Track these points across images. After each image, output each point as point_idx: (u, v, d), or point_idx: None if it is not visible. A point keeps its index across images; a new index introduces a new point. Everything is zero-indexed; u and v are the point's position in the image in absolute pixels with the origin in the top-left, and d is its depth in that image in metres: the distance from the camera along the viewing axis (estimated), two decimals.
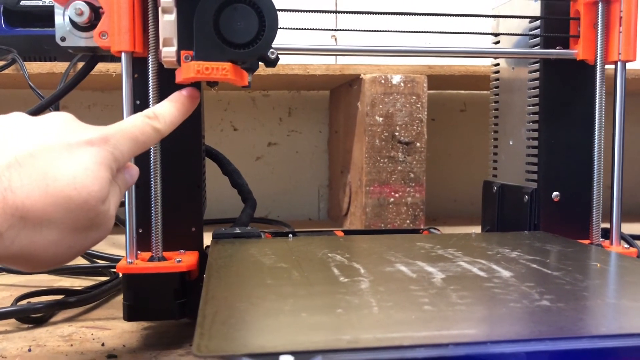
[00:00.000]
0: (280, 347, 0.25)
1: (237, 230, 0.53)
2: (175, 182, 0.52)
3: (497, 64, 0.69)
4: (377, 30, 0.55)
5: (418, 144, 0.96)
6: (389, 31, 0.55)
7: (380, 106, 0.95)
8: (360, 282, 0.36)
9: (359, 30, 0.55)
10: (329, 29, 0.61)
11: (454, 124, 1.27)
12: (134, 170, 0.40)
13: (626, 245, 0.56)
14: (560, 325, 0.28)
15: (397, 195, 0.96)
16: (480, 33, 0.60)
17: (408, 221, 0.96)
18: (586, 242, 0.57)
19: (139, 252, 0.50)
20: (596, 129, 0.56)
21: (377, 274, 0.38)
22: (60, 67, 0.89)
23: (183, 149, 0.53)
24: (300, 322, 0.28)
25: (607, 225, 0.57)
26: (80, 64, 0.86)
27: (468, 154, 1.26)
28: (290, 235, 0.53)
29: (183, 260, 0.49)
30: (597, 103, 0.55)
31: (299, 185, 1.23)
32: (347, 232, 0.65)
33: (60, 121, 0.35)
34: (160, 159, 0.50)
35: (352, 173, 1.04)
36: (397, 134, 0.96)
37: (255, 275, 0.38)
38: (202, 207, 0.54)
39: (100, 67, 0.89)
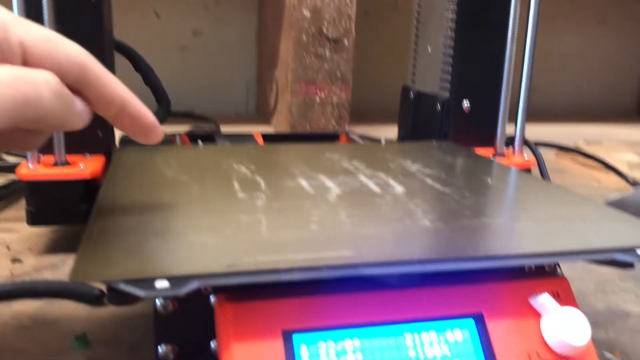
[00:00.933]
0: (158, 272, 0.25)
1: None
2: None
3: None
4: None
5: (346, 42, 0.95)
6: None
7: None
8: (258, 198, 0.36)
9: None
10: None
11: (386, 19, 1.25)
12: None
13: (527, 156, 0.59)
14: (433, 246, 0.29)
15: (322, 94, 0.95)
16: None
17: (333, 121, 0.97)
18: (491, 150, 0.60)
19: (41, 156, 0.49)
20: (509, 39, 0.56)
21: (276, 189, 0.38)
22: None
23: (83, 45, 0.50)
24: (186, 243, 0.29)
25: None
26: None
27: (399, 51, 1.25)
28: (200, 141, 0.52)
29: (86, 166, 0.48)
30: (511, 13, 0.56)
31: (227, 78, 1.20)
32: (266, 137, 0.65)
33: None
34: None
35: (279, 69, 1.02)
36: (324, 29, 0.94)
37: (153, 189, 0.38)
38: None
39: None
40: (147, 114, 0.30)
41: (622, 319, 0.41)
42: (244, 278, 0.26)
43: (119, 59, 0.63)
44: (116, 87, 0.29)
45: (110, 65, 0.56)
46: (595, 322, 0.40)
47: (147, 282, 0.24)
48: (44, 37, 0.27)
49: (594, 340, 0.29)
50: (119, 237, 0.29)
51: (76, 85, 0.28)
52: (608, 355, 0.36)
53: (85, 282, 0.25)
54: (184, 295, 0.24)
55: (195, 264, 0.26)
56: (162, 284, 0.24)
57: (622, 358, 0.36)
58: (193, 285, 0.25)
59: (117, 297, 0.26)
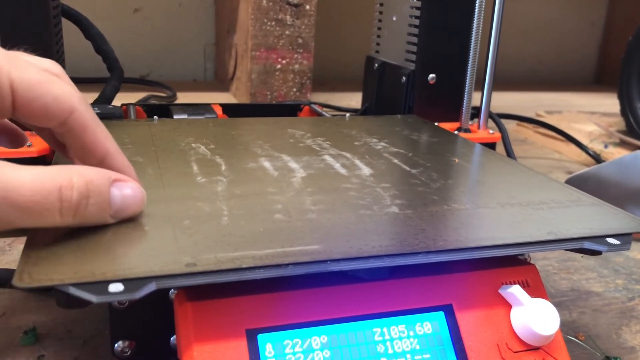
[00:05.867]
0: (110, 273, 0.23)
1: (97, 110, 0.48)
2: None
3: None
4: None
5: (307, 7, 0.92)
6: None
7: None
8: (218, 182, 0.35)
9: None
10: None
11: None
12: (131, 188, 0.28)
13: (491, 131, 0.58)
14: (402, 237, 0.28)
15: (284, 61, 0.93)
16: None
17: (295, 89, 0.94)
18: (456, 124, 0.59)
19: None
20: (476, 12, 0.55)
21: (238, 172, 0.37)
22: None
23: (25, 13, 0.46)
24: (142, 237, 0.27)
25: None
26: None
27: (363, 17, 1.22)
28: (156, 117, 0.50)
29: (34, 144, 0.45)
30: None
31: (183, 42, 1.15)
32: (225, 107, 0.62)
33: None
34: None
35: (238, 34, 0.98)
36: None
37: None
38: None
39: None
40: (129, 170, 0.30)
41: (584, 298, 0.41)
42: (204, 278, 0.24)
43: (69, 26, 0.59)
44: (101, 139, 0.28)
45: (57, 34, 0.52)
46: (560, 302, 0.40)
47: (99, 286, 0.23)
48: (36, 80, 0.26)
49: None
50: (69, 231, 0.27)
51: (59, 130, 0.27)
52: (572, 339, 0.36)
53: (32, 285, 0.23)
54: (139, 298, 0.23)
55: (152, 263, 0.24)
56: (116, 287, 0.23)
57: (585, 340, 0.36)
58: (149, 288, 0.23)
59: (67, 301, 0.24)
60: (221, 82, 1.13)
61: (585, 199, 0.35)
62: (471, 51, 0.56)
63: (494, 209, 0.33)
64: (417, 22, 0.58)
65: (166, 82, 1.03)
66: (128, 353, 0.31)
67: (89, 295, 0.22)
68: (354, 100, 1.02)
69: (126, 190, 0.27)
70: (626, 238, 0.30)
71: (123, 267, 0.24)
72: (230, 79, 1.04)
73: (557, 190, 0.36)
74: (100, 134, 0.28)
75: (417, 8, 0.57)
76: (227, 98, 1.02)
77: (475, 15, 0.55)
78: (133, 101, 0.72)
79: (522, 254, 0.33)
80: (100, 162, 0.28)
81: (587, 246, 0.29)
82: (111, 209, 0.27)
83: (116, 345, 0.31)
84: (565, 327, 0.37)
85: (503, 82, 1.27)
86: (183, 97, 0.96)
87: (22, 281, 0.23)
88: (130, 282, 0.23)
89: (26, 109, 0.26)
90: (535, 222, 0.31)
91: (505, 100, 1.11)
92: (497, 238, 0.29)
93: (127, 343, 0.31)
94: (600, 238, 0.30)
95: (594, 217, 0.32)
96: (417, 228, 0.29)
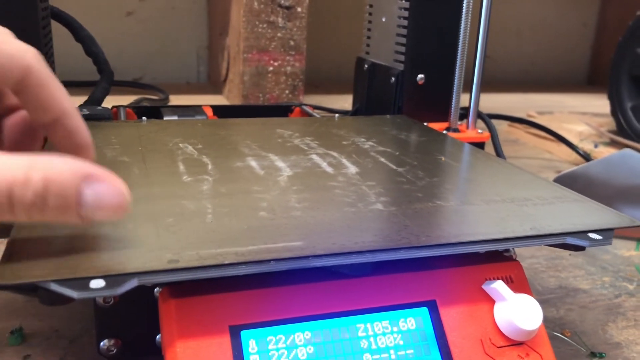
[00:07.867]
0: (92, 269, 0.23)
1: (85, 112, 0.48)
2: None
3: None
4: None
5: (299, 9, 0.92)
6: None
7: None
8: (204, 181, 0.35)
9: None
10: None
11: None
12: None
13: (480, 130, 0.58)
14: (385, 234, 0.28)
15: (276, 63, 0.93)
16: None
17: (287, 91, 0.94)
18: (445, 124, 0.59)
19: None
20: (464, 12, 0.55)
21: (224, 171, 0.37)
22: None
23: (12, 14, 0.46)
24: (124, 235, 0.27)
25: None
26: None
27: (355, 19, 1.23)
28: (145, 118, 0.50)
29: None
30: None
31: (177, 45, 1.15)
32: (216, 108, 0.63)
33: None
34: None
35: (231, 37, 0.98)
36: None
37: None
38: None
39: None
40: (84, 131, 0.28)
41: (572, 295, 0.41)
42: (186, 274, 0.24)
43: (60, 30, 0.59)
44: (58, 95, 0.27)
45: (46, 36, 0.52)
46: (547, 300, 0.40)
47: (81, 282, 0.23)
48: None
49: (546, 318, 0.29)
50: (52, 228, 0.27)
51: (15, 88, 0.26)
52: (558, 335, 0.36)
53: (13, 282, 0.23)
54: (121, 294, 0.23)
55: (134, 260, 0.24)
56: (97, 283, 0.23)
57: (571, 336, 0.36)
58: (131, 284, 0.23)
59: (49, 297, 0.24)
60: (214, 85, 1.13)
61: (568, 195, 0.35)
62: (459, 51, 0.56)
63: (478, 205, 0.33)
64: (405, 22, 0.58)
65: (159, 85, 1.03)
66: (114, 351, 0.31)
67: (70, 292, 0.22)
68: (347, 102, 1.03)
69: (101, 188, 0.23)
70: (608, 233, 0.30)
71: (105, 263, 0.24)
72: (223, 81, 1.04)
73: (541, 187, 0.36)
74: (58, 91, 0.27)
75: (406, 9, 0.58)
76: (220, 100, 1.02)
77: (463, 16, 0.55)
78: (125, 104, 0.72)
79: (507, 251, 0.33)
80: (56, 120, 0.27)
81: (569, 241, 0.29)
82: (79, 210, 0.23)
83: (102, 343, 0.31)
84: (552, 323, 0.37)
85: (496, 83, 1.27)
86: (176, 100, 0.96)
87: (3, 278, 0.23)
88: (112, 278, 0.23)
89: None
90: (518, 218, 0.31)
91: (498, 101, 1.11)
92: (479, 234, 0.29)
93: (112, 341, 0.31)
94: (582, 233, 0.30)
95: (577, 213, 0.32)
96: (400, 224, 0.30)
